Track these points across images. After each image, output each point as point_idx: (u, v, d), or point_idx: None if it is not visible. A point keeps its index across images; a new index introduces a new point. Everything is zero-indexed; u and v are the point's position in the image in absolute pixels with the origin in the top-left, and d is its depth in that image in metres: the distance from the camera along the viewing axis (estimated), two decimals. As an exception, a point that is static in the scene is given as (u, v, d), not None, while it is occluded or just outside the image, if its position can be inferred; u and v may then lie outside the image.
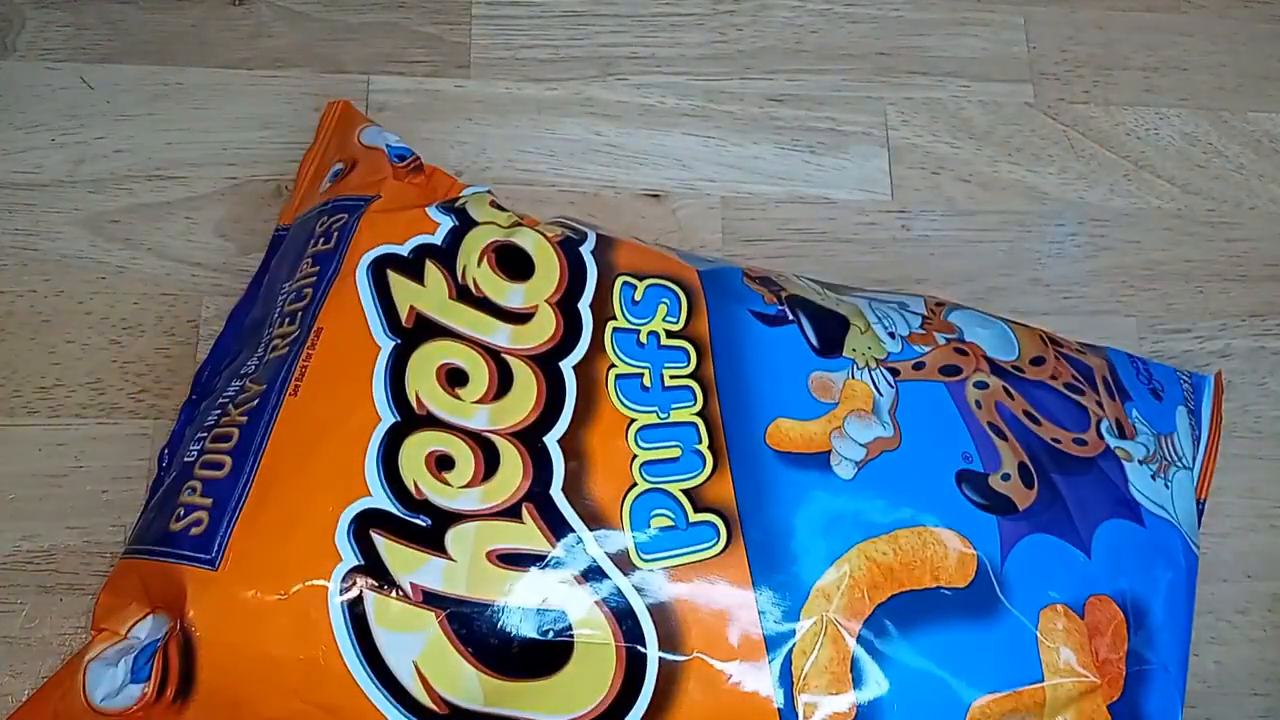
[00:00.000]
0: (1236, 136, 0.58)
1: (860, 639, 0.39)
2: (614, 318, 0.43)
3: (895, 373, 0.44)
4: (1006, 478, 0.42)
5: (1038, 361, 0.46)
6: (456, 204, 0.45)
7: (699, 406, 0.41)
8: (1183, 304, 0.55)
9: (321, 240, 0.44)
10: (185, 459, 0.42)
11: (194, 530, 0.39)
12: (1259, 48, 0.60)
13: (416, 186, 0.46)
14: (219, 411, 0.42)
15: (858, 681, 0.39)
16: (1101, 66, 0.59)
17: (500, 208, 0.46)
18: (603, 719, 0.38)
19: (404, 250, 0.43)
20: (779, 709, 0.38)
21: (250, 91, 0.53)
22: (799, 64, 0.57)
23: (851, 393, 0.43)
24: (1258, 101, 0.59)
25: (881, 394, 0.43)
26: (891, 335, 0.45)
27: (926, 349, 0.45)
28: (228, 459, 0.40)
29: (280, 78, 0.54)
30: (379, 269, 0.42)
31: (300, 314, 0.42)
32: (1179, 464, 0.45)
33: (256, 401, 0.41)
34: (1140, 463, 0.44)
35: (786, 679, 0.38)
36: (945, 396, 0.43)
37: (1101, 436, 0.44)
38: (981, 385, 0.44)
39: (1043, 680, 0.40)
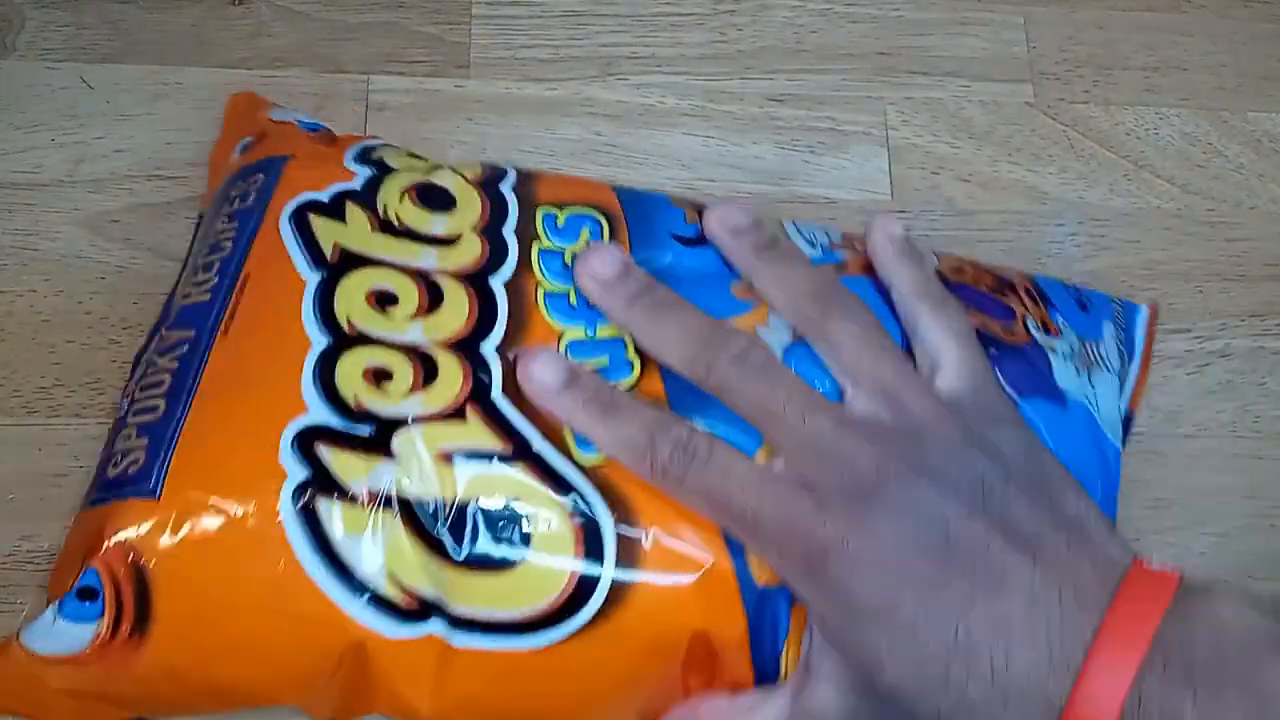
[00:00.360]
0: (1236, 136, 0.58)
1: None
2: (538, 238, 0.43)
3: None
4: None
5: (957, 270, 0.46)
6: (373, 155, 0.46)
7: None
8: (1182, 304, 0.55)
9: (239, 200, 0.45)
10: (118, 414, 0.42)
11: (131, 469, 0.39)
12: (1259, 48, 0.60)
13: (331, 148, 0.47)
14: (144, 366, 0.42)
15: None
16: (1101, 66, 0.59)
17: (418, 157, 0.46)
18: (569, 603, 0.39)
19: (324, 196, 0.44)
20: (735, 571, 0.39)
21: (250, 91, 0.53)
22: (799, 64, 0.57)
23: None
24: (1258, 101, 0.59)
25: None
26: (811, 244, 0.45)
27: (848, 253, 0.45)
28: (160, 401, 0.40)
29: (280, 78, 0.54)
30: (300, 214, 0.43)
31: (219, 264, 0.43)
32: (1103, 367, 0.46)
33: (186, 347, 0.41)
34: (1064, 357, 0.45)
35: (737, 545, 0.39)
36: (870, 288, 0.44)
37: (1028, 330, 0.45)
38: None
39: None
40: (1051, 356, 0.44)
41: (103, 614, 0.38)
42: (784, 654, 0.40)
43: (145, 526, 0.38)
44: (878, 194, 0.55)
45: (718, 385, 0.40)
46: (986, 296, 0.46)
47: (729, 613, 0.39)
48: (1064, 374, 0.44)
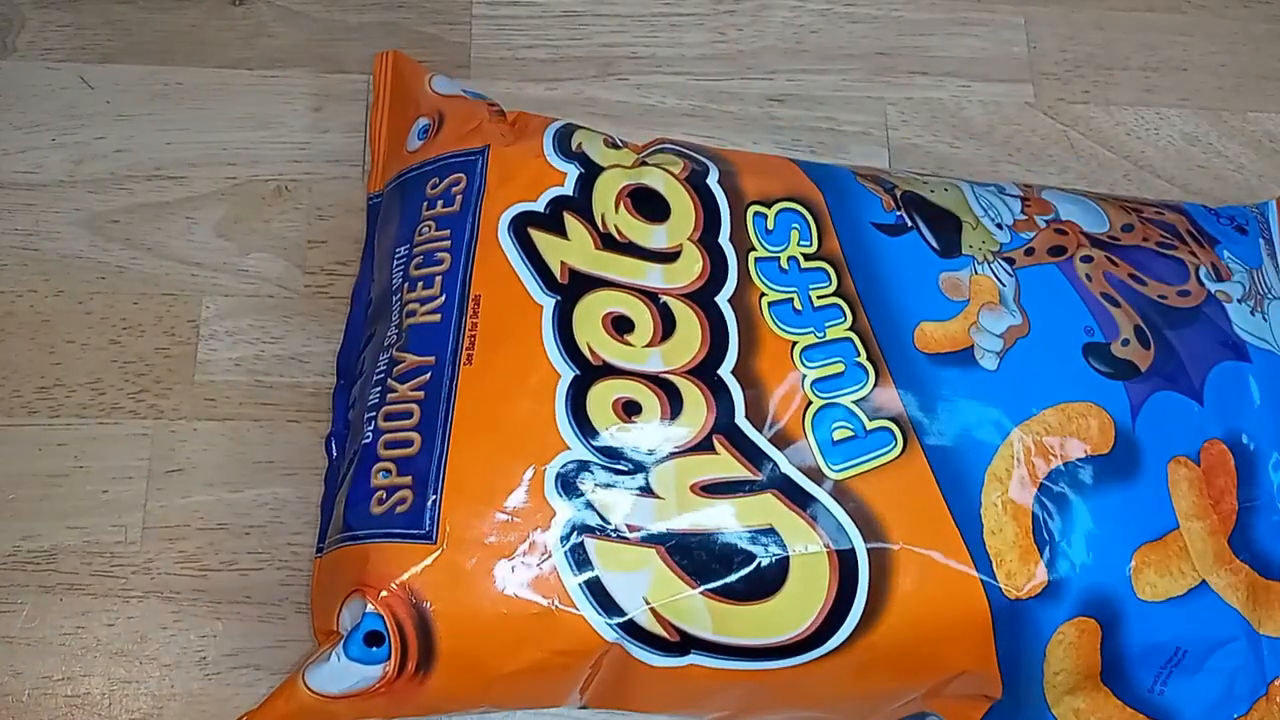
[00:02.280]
0: (1236, 136, 0.58)
1: (1034, 514, 0.42)
2: (754, 248, 0.44)
3: (1011, 261, 0.46)
4: (1126, 343, 0.45)
5: (1128, 229, 0.48)
6: (574, 145, 0.46)
7: (850, 321, 0.43)
8: (1183, 304, 0.55)
9: (441, 202, 0.45)
10: (363, 442, 0.42)
11: (399, 509, 0.40)
12: (1259, 48, 0.60)
13: (514, 131, 0.47)
14: (380, 388, 0.43)
15: (1042, 551, 0.41)
16: (1101, 66, 0.59)
17: (613, 145, 0.46)
18: (825, 626, 0.40)
19: (539, 206, 0.44)
20: (983, 584, 0.41)
21: (250, 91, 0.53)
22: (799, 64, 0.57)
23: (979, 288, 0.45)
24: (1258, 101, 0.59)
25: (1004, 284, 0.45)
26: (999, 226, 0.47)
27: (1031, 234, 0.47)
28: (415, 435, 0.41)
29: (280, 78, 0.54)
30: (520, 228, 0.43)
31: (442, 280, 0.43)
32: (1271, 295, 0.48)
33: (429, 375, 0.42)
34: (1239, 301, 0.47)
35: (984, 559, 0.41)
36: (1059, 276, 0.46)
37: (1202, 283, 0.47)
38: (1087, 259, 0.46)
39: (1178, 526, 0.43)
40: (1229, 307, 0.46)
41: (389, 656, 0.39)
42: (1044, 662, 0.41)
43: (425, 570, 0.39)
44: (878, 194, 0.55)
45: None
46: (1159, 255, 0.47)
47: (978, 626, 0.40)
48: (1243, 320, 0.46)
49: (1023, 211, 0.48)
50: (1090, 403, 0.44)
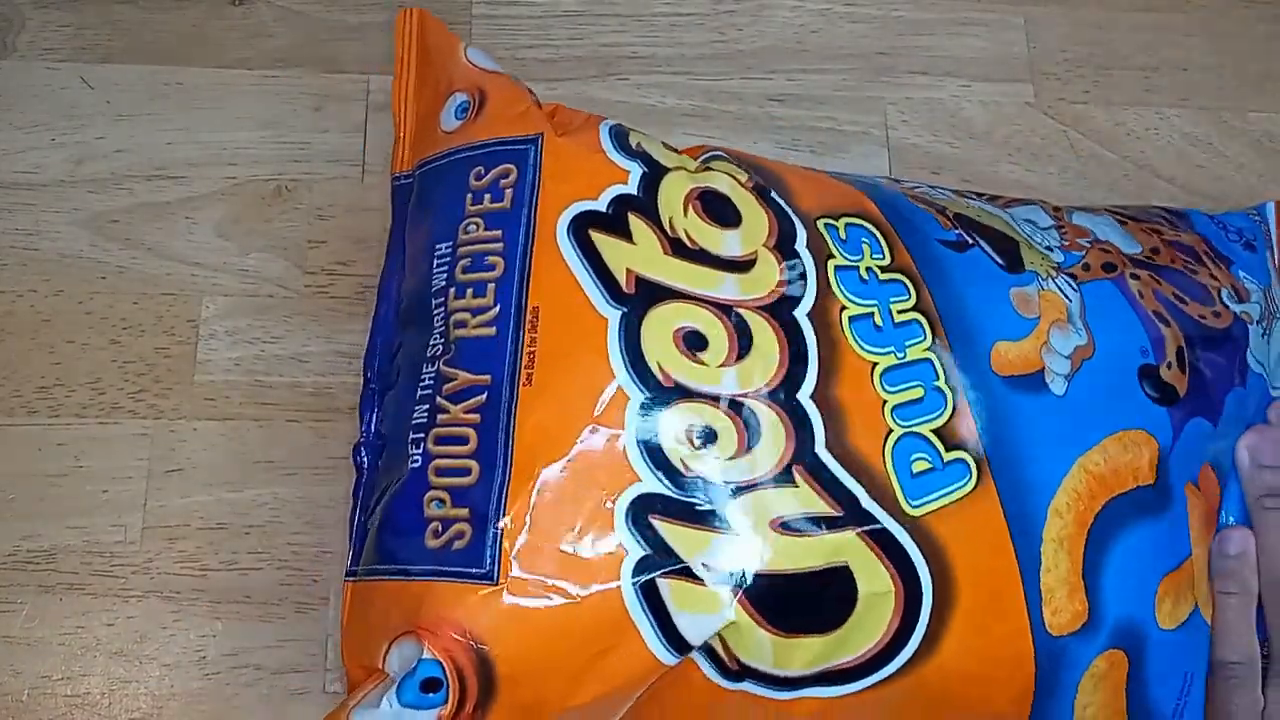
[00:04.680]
0: (1236, 136, 0.58)
1: (1086, 549, 0.40)
2: (832, 255, 0.41)
3: (1073, 277, 0.44)
4: (1170, 366, 0.43)
5: (1155, 251, 0.46)
6: (634, 146, 0.42)
7: (929, 340, 0.41)
8: (1183, 304, 0.55)
9: (489, 197, 0.41)
10: (411, 465, 0.39)
11: (457, 544, 0.37)
12: (1259, 48, 0.60)
13: (560, 123, 0.43)
14: (428, 406, 0.39)
15: (1089, 586, 0.40)
16: (1101, 66, 0.59)
17: (671, 148, 0.43)
18: (875, 660, 0.38)
19: (601, 205, 0.40)
20: (1031, 625, 0.39)
21: (250, 91, 0.53)
22: (799, 64, 0.57)
23: (1048, 304, 0.43)
24: (1258, 101, 0.59)
25: (1070, 300, 0.43)
26: (1049, 249, 0.45)
27: (1082, 253, 0.45)
28: (473, 464, 0.38)
29: (280, 78, 0.54)
30: (580, 230, 0.39)
31: (495, 288, 0.39)
32: (1277, 314, 0.47)
33: (485, 396, 0.38)
34: (1256, 323, 0.46)
35: (1035, 597, 0.39)
36: (1117, 293, 0.44)
37: (1226, 305, 0.46)
38: (1136, 276, 0.45)
39: (1190, 554, 0.42)
40: (1250, 329, 0.45)
41: (446, 701, 0.36)
42: (1075, 697, 0.40)
43: (487, 612, 0.36)
44: (878, 194, 0.55)
45: None
46: (1188, 277, 0.46)
47: (1021, 665, 0.39)
48: (1255, 344, 0.45)
49: (1061, 237, 0.46)
50: (1144, 430, 0.42)
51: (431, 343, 0.41)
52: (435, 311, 0.41)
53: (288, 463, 0.48)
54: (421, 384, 0.40)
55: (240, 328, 0.50)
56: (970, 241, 0.43)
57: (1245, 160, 0.58)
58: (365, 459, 0.43)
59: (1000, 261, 0.43)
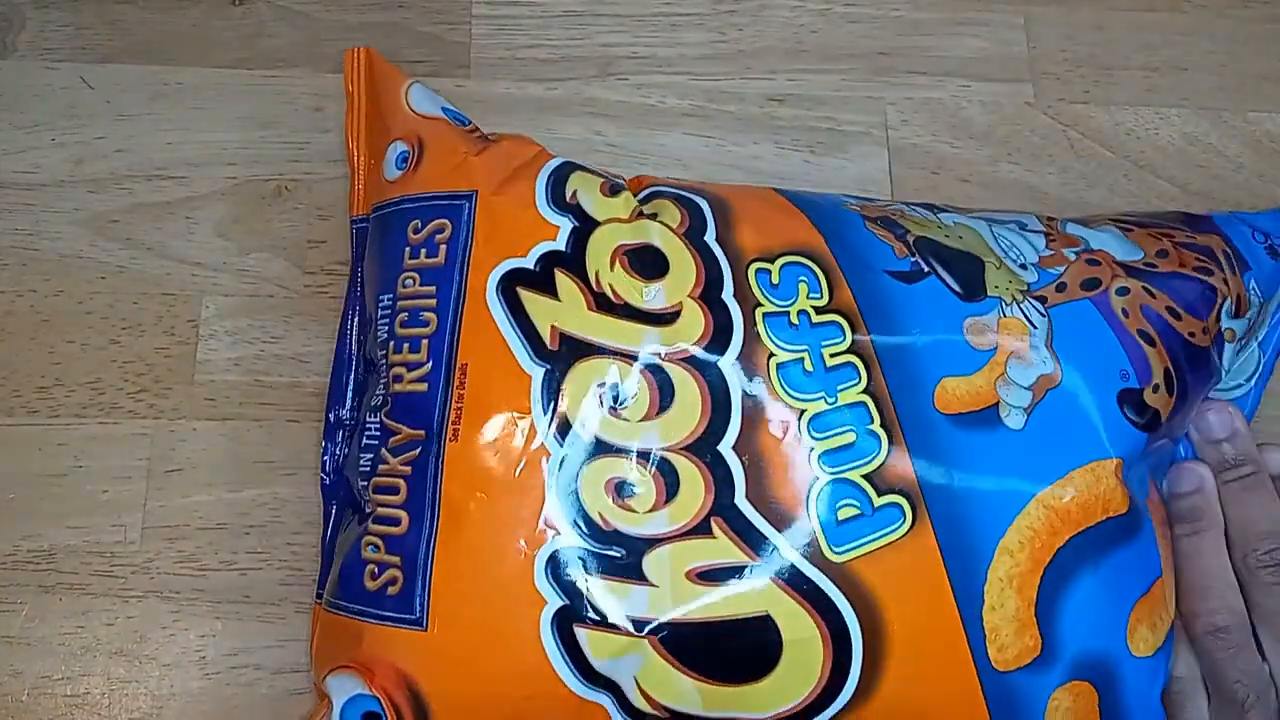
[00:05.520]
0: (1236, 136, 0.58)
1: (1041, 585, 0.40)
2: (760, 304, 0.41)
3: (1042, 300, 0.43)
4: (1156, 389, 0.42)
5: (1162, 254, 0.45)
6: (567, 197, 0.42)
7: (864, 383, 0.40)
8: (1183, 304, 0.55)
9: (424, 252, 0.42)
10: (364, 509, 0.42)
11: (390, 589, 0.39)
12: (1259, 48, 0.60)
13: (503, 165, 0.43)
14: (371, 456, 0.42)
15: (1042, 621, 0.40)
16: (1101, 66, 0.59)
17: (611, 191, 0.43)
18: (813, 706, 0.39)
19: (529, 263, 0.41)
20: (974, 659, 0.39)
21: (250, 91, 0.53)
22: (799, 64, 0.57)
23: (1008, 331, 0.42)
24: (1258, 101, 0.59)
25: (1036, 326, 0.42)
26: (1023, 266, 0.44)
27: (1061, 269, 0.44)
28: (403, 514, 0.40)
29: (280, 78, 0.54)
30: (508, 288, 0.40)
31: (428, 343, 0.41)
32: (1255, 337, 0.47)
33: (417, 451, 0.40)
34: (1234, 341, 0.45)
35: (978, 635, 0.39)
36: (1094, 313, 0.43)
37: (1219, 319, 0.44)
38: (1123, 291, 0.43)
39: (1160, 575, 0.42)
40: (1228, 347, 0.45)
41: None
42: None
43: (417, 655, 0.39)
44: (878, 194, 0.55)
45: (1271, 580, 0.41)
46: (1196, 281, 0.44)
47: (968, 702, 0.39)
48: (1228, 356, 0.45)
49: (1048, 246, 0.45)
50: (1119, 458, 0.41)
51: (378, 392, 0.42)
52: (380, 363, 0.43)
53: (288, 463, 0.48)
54: (369, 433, 0.42)
55: (240, 328, 0.50)
56: (926, 270, 0.43)
57: (1245, 160, 0.58)
58: (326, 482, 0.46)
59: (957, 290, 0.42)
